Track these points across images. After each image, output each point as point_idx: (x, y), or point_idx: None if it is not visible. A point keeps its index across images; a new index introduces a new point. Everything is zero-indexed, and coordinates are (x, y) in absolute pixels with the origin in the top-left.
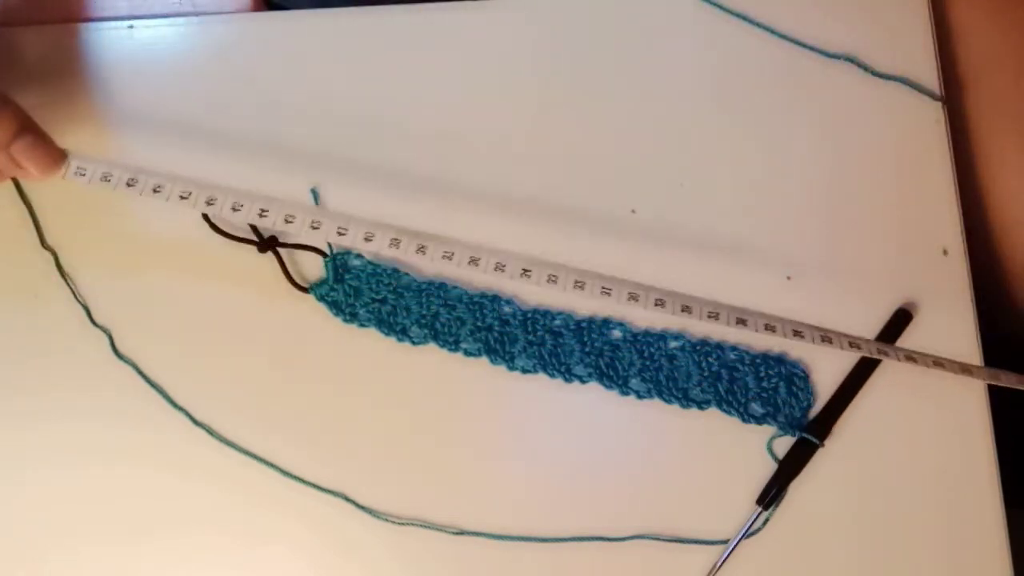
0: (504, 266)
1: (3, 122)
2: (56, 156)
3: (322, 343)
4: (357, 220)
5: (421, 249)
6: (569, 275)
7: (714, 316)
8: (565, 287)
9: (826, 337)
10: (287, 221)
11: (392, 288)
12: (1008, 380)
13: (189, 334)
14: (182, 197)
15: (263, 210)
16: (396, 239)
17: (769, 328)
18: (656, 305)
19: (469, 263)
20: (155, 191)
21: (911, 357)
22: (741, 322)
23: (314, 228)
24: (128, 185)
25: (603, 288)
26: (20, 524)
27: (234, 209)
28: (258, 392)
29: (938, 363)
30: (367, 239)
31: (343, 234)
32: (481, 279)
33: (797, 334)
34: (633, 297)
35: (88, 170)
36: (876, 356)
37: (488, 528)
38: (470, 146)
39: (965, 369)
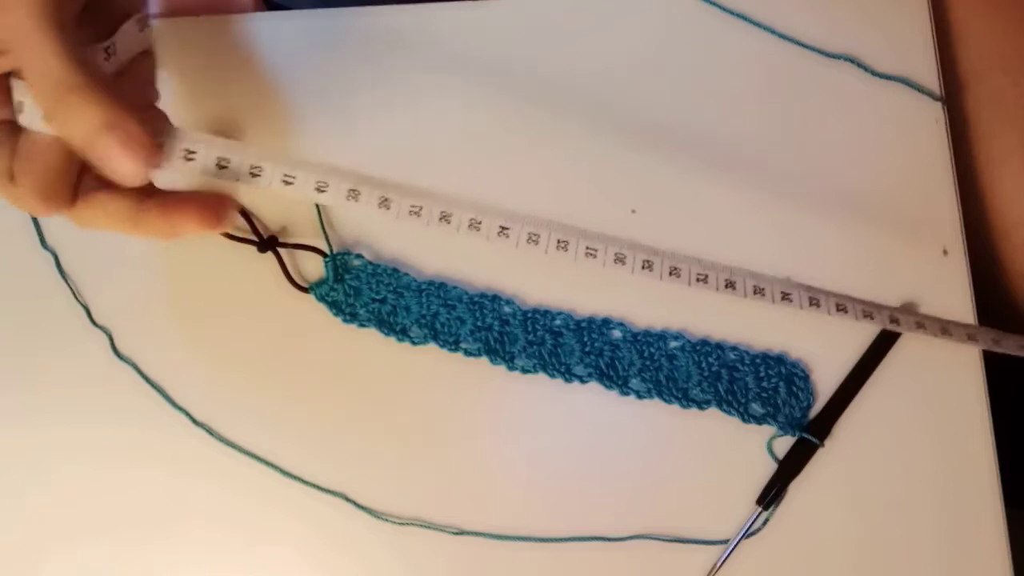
0: (479, 223)
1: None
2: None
3: (322, 343)
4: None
5: (384, 203)
6: (553, 234)
7: (703, 279)
8: (547, 248)
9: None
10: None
11: (392, 288)
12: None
13: (189, 334)
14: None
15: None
16: (355, 189)
17: (758, 291)
18: (644, 268)
19: (440, 219)
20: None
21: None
22: (730, 285)
23: (254, 175)
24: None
25: (588, 249)
26: (20, 524)
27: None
28: (258, 392)
29: (972, 337)
30: (319, 189)
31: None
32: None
33: (786, 297)
34: (620, 259)
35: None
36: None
37: (488, 528)
38: (469, 145)
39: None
